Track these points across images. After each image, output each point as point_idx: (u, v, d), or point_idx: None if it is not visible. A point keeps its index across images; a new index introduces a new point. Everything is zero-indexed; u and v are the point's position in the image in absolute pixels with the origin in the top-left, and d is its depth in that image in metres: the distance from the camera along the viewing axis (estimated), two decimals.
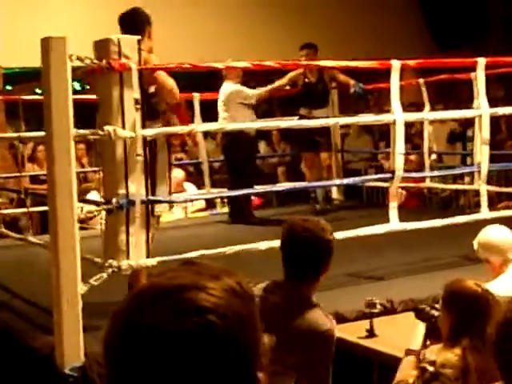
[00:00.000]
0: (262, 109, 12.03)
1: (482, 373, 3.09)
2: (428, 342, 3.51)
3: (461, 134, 11.78)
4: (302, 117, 8.62)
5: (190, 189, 9.52)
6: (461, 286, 3.41)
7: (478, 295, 3.30)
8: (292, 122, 7.43)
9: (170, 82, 5.24)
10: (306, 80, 8.79)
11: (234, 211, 8.48)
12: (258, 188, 7.29)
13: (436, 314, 3.56)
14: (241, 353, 1.01)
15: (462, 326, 3.27)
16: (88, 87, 7.84)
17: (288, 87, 8.85)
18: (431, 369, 3.18)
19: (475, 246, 4.57)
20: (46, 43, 4.05)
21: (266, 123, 7.84)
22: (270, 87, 8.57)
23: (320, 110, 8.74)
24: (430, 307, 3.69)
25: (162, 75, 5.21)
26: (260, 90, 8.46)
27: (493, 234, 4.62)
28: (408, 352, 3.51)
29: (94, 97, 5.08)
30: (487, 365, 3.08)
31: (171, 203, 5.23)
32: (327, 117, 8.54)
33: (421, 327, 3.58)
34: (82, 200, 5.49)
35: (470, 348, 3.18)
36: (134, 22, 5.34)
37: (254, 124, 7.45)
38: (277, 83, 8.63)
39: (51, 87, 4.04)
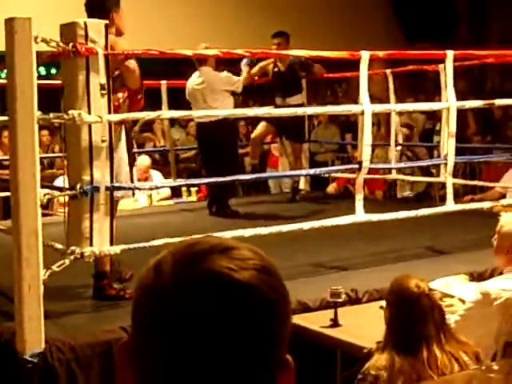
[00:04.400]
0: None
1: (410, 375, 3.13)
2: None
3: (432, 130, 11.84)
4: (277, 106, 8.58)
5: (156, 176, 9.45)
6: (400, 287, 3.41)
7: (413, 300, 3.30)
8: (259, 111, 7.40)
9: (133, 66, 5.16)
10: (275, 69, 8.77)
11: (212, 203, 8.31)
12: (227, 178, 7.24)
13: None
14: (282, 319, 0.99)
15: (394, 327, 3.31)
16: (54, 72, 7.72)
17: (256, 77, 8.77)
18: (373, 372, 3.22)
19: (499, 228, 4.34)
20: (10, 24, 3.97)
21: (233, 111, 7.71)
22: (244, 75, 8.43)
23: (293, 97, 8.72)
24: None
25: (128, 61, 5.14)
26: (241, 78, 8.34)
27: None
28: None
29: (59, 82, 5.01)
30: (415, 368, 3.12)
31: (136, 190, 5.16)
32: (302, 104, 8.63)
33: None
34: (47, 186, 5.41)
35: (398, 351, 3.21)
36: (101, 5, 5.24)
37: (219, 112, 7.36)
38: (246, 72, 8.51)
39: (15, 69, 3.97)
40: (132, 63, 5.14)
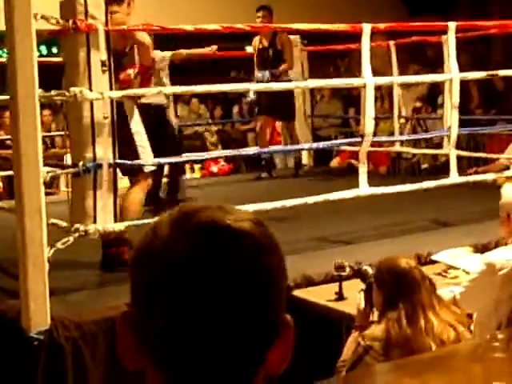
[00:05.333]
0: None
1: (405, 346, 3.18)
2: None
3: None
4: (257, 81, 8.49)
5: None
6: (389, 263, 3.52)
7: (404, 272, 3.39)
8: (250, 86, 7.33)
9: (148, 41, 5.18)
10: (260, 46, 8.78)
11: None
12: (226, 152, 7.22)
13: (370, 271, 3.64)
14: (278, 274, 0.99)
15: (389, 301, 3.37)
16: (55, 52, 7.68)
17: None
18: (363, 342, 3.27)
19: (503, 198, 4.30)
20: (9, 2, 3.94)
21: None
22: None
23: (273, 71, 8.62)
24: (369, 265, 3.77)
25: (142, 35, 5.17)
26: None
27: None
28: (355, 327, 3.58)
29: (60, 59, 5.00)
30: (412, 337, 3.18)
31: (140, 166, 5.15)
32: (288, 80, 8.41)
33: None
34: (50, 164, 5.40)
35: (394, 322, 3.26)
36: None
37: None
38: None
39: (15, 47, 3.95)
40: (147, 38, 5.14)
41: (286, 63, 8.64)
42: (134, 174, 5.24)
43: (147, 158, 5.21)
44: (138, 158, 5.12)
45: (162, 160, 5.68)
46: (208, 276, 0.93)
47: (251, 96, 8.73)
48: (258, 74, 8.66)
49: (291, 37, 9.16)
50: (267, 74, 8.48)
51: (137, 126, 5.23)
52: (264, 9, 8.67)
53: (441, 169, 9.38)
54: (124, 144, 4.93)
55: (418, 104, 11.42)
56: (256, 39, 8.82)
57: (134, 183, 5.26)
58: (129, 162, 4.99)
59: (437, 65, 8.45)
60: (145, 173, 5.24)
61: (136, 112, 5.24)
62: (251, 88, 6.79)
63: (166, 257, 0.95)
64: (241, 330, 0.94)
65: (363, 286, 3.76)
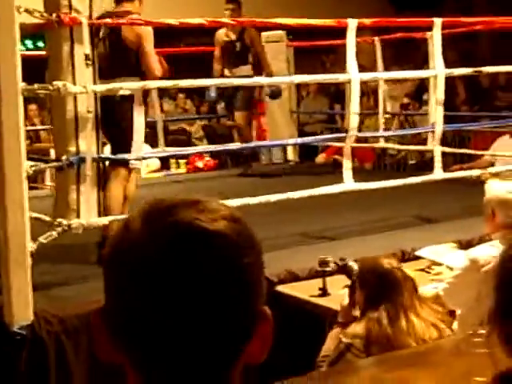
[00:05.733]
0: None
1: (386, 344, 3.20)
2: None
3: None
4: (225, 77, 8.27)
5: (145, 149, 9.40)
6: (371, 263, 3.58)
7: (386, 272, 3.41)
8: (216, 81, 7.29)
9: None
10: (227, 38, 8.55)
11: None
12: (211, 147, 7.19)
13: (356, 268, 3.66)
14: (255, 270, 0.98)
15: (370, 301, 3.39)
16: (41, 46, 7.63)
17: None
18: (344, 339, 3.30)
19: (487, 195, 4.29)
20: None
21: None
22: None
23: (241, 68, 8.43)
24: (355, 261, 3.78)
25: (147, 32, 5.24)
26: None
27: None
28: (337, 323, 3.59)
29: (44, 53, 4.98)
30: (393, 337, 3.20)
31: (124, 160, 5.13)
32: (248, 76, 7.96)
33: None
34: (34, 158, 5.38)
35: (375, 321, 3.29)
36: None
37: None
38: None
39: None
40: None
41: (263, 68, 8.38)
42: (116, 165, 5.19)
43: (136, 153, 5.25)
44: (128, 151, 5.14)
45: (147, 154, 5.65)
46: (178, 276, 0.93)
47: (212, 95, 8.63)
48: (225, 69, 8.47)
49: (278, 32, 9.14)
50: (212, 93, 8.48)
51: (142, 118, 5.30)
52: (233, 1, 8.44)
53: (427, 164, 9.40)
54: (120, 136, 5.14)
55: (406, 100, 11.45)
56: (221, 32, 8.53)
57: (112, 177, 5.17)
58: (112, 157, 4.97)
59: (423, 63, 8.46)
60: (127, 167, 5.22)
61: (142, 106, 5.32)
62: (234, 83, 6.76)
63: (137, 255, 0.94)
64: (214, 327, 0.94)
65: (348, 282, 3.76)
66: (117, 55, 5.29)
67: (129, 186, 5.31)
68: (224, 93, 8.54)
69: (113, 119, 5.12)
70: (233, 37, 8.51)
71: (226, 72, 8.50)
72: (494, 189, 4.18)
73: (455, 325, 3.74)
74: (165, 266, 0.93)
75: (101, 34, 5.24)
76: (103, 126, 4.92)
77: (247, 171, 9.08)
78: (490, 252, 3.89)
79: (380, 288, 3.38)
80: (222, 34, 8.54)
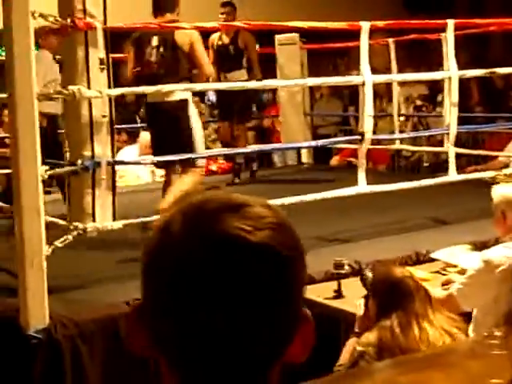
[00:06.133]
0: None
1: (397, 352, 3.20)
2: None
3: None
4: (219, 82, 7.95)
5: None
6: (383, 272, 3.60)
7: (398, 281, 3.42)
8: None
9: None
10: (219, 42, 8.30)
11: None
12: (225, 150, 7.19)
13: (371, 276, 3.66)
14: (298, 275, 0.97)
15: (382, 310, 3.41)
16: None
17: None
18: (358, 348, 3.32)
19: (494, 198, 4.30)
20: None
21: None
22: None
23: (234, 73, 8.16)
24: (370, 269, 3.79)
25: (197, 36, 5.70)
26: None
27: None
28: (354, 333, 3.60)
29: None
30: (405, 345, 3.20)
31: (138, 164, 5.16)
32: (244, 80, 7.83)
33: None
34: (49, 162, 5.40)
35: (387, 330, 3.30)
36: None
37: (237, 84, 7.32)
38: None
39: (13, 45, 3.95)
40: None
41: (254, 73, 8.16)
42: (187, 167, 5.73)
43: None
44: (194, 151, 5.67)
45: (161, 158, 5.66)
46: (220, 286, 0.92)
47: (211, 98, 8.56)
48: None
49: (292, 34, 9.10)
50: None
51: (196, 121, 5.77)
52: (228, 4, 8.30)
53: (442, 166, 9.39)
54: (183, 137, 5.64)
55: (419, 102, 11.42)
56: (215, 36, 8.29)
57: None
58: (126, 161, 4.99)
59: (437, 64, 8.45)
60: (195, 166, 5.71)
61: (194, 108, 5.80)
62: (249, 86, 6.76)
63: (178, 262, 0.93)
64: (257, 333, 0.94)
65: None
66: (171, 61, 5.72)
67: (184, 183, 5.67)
68: (221, 100, 8.34)
69: (176, 122, 5.63)
70: (226, 40, 8.31)
71: (220, 76, 8.17)
72: (503, 191, 4.19)
73: (470, 330, 3.74)
74: (206, 276, 0.92)
75: (154, 42, 5.72)
76: (157, 130, 5.69)
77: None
78: (504, 253, 3.89)
79: (392, 297, 3.39)
80: (215, 38, 8.31)
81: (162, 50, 5.73)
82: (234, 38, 8.26)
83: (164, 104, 5.56)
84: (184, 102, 5.64)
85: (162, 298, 0.94)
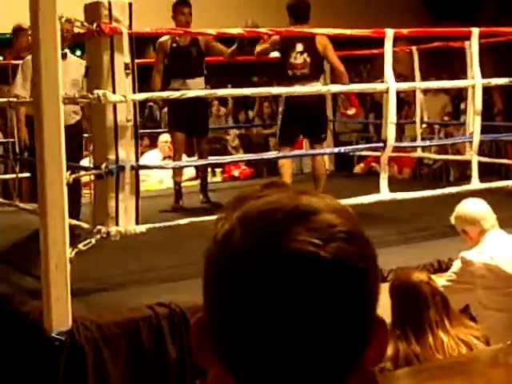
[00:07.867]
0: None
1: (411, 361, 3.19)
2: None
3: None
4: (175, 90, 6.25)
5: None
6: (400, 278, 3.57)
7: (413, 287, 3.39)
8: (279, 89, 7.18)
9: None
10: (174, 44, 7.15)
11: None
12: (246, 156, 7.21)
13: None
14: (374, 284, 0.93)
15: (397, 317, 3.36)
16: (78, 54, 7.65)
17: None
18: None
19: (452, 220, 4.77)
20: (34, 3, 3.98)
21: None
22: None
23: (196, 79, 7.08)
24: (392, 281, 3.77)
25: None
26: None
27: (469, 207, 4.74)
28: None
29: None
30: (421, 354, 3.17)
31: (162, 168, 5.19)
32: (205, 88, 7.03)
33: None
34: (71, 166, 5.44)
35: (402, 338, 3.27)
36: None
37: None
38: None
39: (40, 49, 3.98)
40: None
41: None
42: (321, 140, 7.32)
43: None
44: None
45: (184, 163, 5.68)
46: (290, 303, 0.87)
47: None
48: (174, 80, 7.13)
49: None
50: None
51: None
52: (188, 4, 7.13)
53: (468, 179, 9.39)
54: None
55: (446, 118, 11.40)
56: (166, 38, 7.11)
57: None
58: (150, 165, 5.01)
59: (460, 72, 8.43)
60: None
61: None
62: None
63: (244, 278, 0.88)
64: (334, 344, 0.90)
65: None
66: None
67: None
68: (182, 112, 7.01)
69: (320, 112, 7.19)
70: (184, 42, 7.16)
71: (175, 83, 7.00)
72: (455, 213, 4.72)
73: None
74: (272, 296, 0.87)
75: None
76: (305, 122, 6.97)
77: None
78: (479, 258, 4.25)
79: (405, 303, 3.35)
80: (167, 41, 7.12)
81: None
82: (193, 39, 7.14)
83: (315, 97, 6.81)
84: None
85: (227, 314, 0.90)
